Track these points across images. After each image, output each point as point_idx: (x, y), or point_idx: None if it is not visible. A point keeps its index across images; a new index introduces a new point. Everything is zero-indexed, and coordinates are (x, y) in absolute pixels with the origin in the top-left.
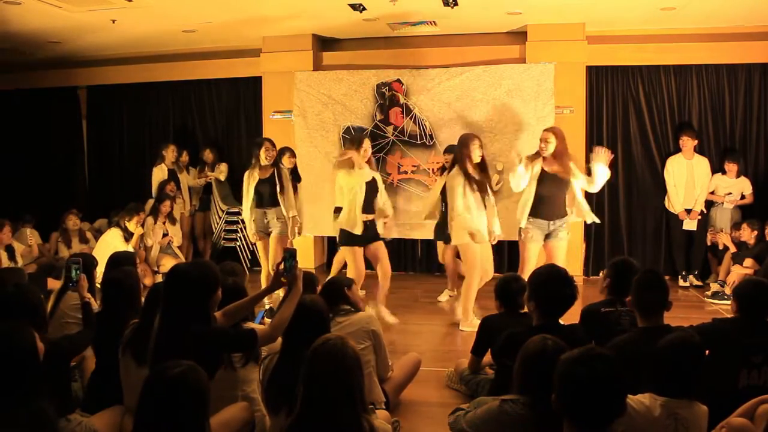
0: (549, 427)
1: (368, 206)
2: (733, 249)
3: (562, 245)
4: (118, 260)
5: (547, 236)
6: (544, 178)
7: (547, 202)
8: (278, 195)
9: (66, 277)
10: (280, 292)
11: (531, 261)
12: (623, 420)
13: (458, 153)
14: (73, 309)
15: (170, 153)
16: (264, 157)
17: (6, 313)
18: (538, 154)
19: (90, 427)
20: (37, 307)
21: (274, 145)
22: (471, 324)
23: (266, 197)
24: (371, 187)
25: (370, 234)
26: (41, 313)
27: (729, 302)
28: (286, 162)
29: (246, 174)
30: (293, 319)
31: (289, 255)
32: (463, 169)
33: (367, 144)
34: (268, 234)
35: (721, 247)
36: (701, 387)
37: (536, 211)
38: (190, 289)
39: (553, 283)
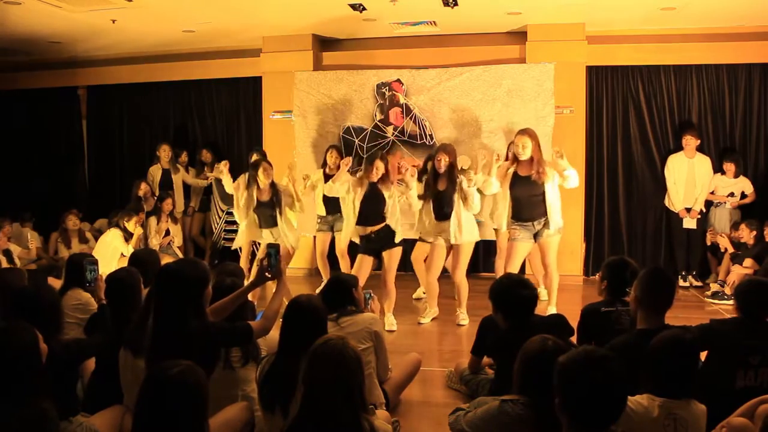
0: (549, 428)
1: (367, 218)
2: (731, 250)
3: (553, 241)
4: (140, 259)
5: (536, 236)
6: (516, 181)
7: (525, 204)
8: (278, 218)
9: (81, 277)
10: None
11: (517, 259)
12: (622, 421)
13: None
14: (74, 309)
15: (163, 153)
16: (263, 177)
17: (21, 312)
18: (514, 158)
19: (91, 427)
20: (52, 307)
21: (271, 166)
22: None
23: (265, 219)
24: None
25: (372, 245)
26: (57, 313)
27: (729, 302)
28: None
29: (239, 181)
30: (290, 319)
31: (274, 251)
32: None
33: (377, 163)
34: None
35: (722, 250)
36: (699, 387)
37: (517, 215)
38: (184, 286)
39: (509, 289)
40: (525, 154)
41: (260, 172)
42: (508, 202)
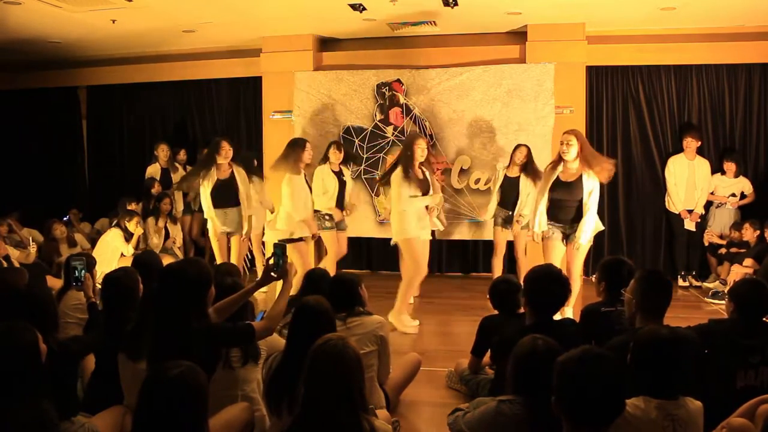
0: (545, 427)
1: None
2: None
3: (581, 249)
4: (142, 262)
5: (566, 238)
6: (557, 185)
7: (561, 206)
8: (238, 195)
9: (70, 277)
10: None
11: (553, 260)
12: (621, 424)
13: (401, 153)
14: (74, 309)
15: (161, 152)
16: (222, 156)
17: (17, 312)
18: (559, 159)
19: (92, 428)
20: (48, 306)
21: (231, 146)
22: (403, 324)
23: (225, 198)
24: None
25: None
26: (52, 312)
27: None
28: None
29: (204, 173)
30: (297, 320)
31: (280, 251)
32: (404, 169)
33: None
34: (227, 234)
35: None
36: (698, 387)
37: (552, 216)
38: (187, 286)
39: (545, 281)
40: (570, 153)
41: (219, 151)
42: (545, 203)
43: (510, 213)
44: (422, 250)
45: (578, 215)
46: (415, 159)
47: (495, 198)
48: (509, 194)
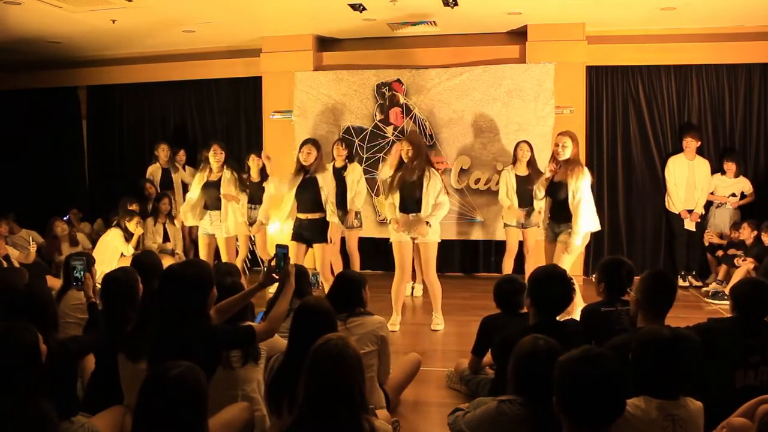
0: (546, 427)
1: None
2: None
3: (560, 248)
4: (142, 263)
5: (555, 237)
6: (550, 184)
7: (551, 204)
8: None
9: (70, 276)
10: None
11: (550, 258)
12: (621, 422)
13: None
14: (74, 309)
15: (162, 152)
16: (212, 160)
17: (17, 312)
18: (553, 159)
19: (92, 428)
20: (47, 306)
21: (222, 149)
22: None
23: (211, 200)
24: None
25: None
26: (52, 312)
27: (728, 302)
28: (253, 165)
29: (197, 174)
30: (298, 320)
31: (282, 252)
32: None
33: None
34: (210, 235)
35: (719, 254)
36: (698, 387)
37: (549, 215)
38: (187, 288)
39: (549, 281)
40: (564, 155)
41: (210, 154)
42: (545, 204)
43: (524, 211)
44: (399, 252)
45: (566, 215)
46: (403, 161)
47: (515, 200)
48: (521, 193)
